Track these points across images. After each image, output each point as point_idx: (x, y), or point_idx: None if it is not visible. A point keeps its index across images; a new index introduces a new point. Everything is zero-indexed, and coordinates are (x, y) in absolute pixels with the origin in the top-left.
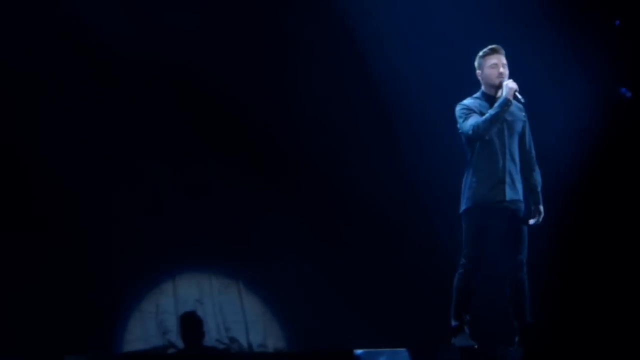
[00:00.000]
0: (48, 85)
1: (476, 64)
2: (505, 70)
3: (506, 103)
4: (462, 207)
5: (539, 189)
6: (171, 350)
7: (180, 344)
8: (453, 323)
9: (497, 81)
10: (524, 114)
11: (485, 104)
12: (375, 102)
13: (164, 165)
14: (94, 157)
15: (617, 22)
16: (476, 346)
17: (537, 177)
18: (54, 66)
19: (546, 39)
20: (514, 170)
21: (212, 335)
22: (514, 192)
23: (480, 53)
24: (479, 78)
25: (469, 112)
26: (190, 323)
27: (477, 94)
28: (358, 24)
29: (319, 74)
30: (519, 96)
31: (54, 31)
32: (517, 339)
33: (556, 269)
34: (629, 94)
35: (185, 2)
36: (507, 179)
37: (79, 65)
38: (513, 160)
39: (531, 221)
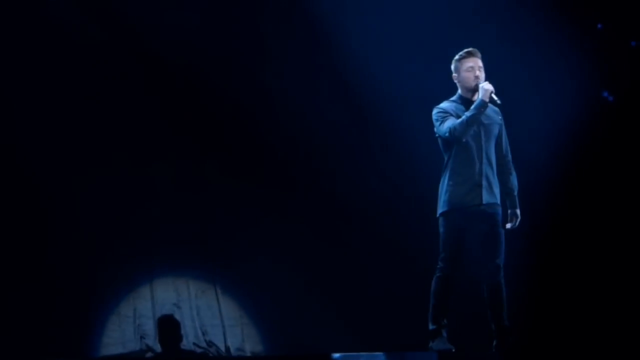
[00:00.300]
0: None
1: (452, 67)
2: (481, 74)
3: (482, 105)
4: (440, 211)
5: (516, 192)
6: (149, 354)
7: (157, 348)
8: (431, 327)
9: (473, 84)
10: (500, 117)
11: (461, 107)
12: (353, 105)
13: (141, 170)
14: (73, 157)
15: (599, 25)
16: (454, 350)
17: (514, 180)
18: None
19: (527, 42)
20: (491, 173)
21: (190, 339)
22: (491, 195)
23: (457, 56)
24: (456, 81)
25: (446, 115)
26: (168, 327)
27: (454, 97)
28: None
29: (297, 75)
30: (495, 98)
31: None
32: (494, 342)
33: (533, 272)
34: (610, 98)
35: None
36: (484, 183)
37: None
38: (490, 163)
39: (508, 225)
